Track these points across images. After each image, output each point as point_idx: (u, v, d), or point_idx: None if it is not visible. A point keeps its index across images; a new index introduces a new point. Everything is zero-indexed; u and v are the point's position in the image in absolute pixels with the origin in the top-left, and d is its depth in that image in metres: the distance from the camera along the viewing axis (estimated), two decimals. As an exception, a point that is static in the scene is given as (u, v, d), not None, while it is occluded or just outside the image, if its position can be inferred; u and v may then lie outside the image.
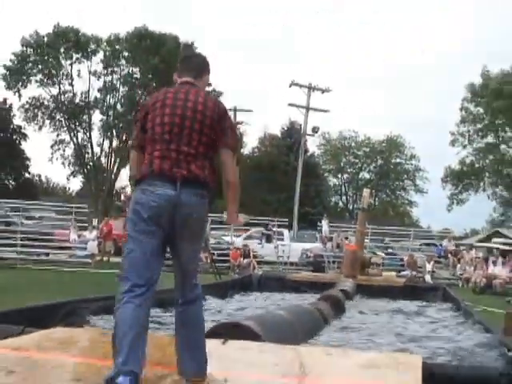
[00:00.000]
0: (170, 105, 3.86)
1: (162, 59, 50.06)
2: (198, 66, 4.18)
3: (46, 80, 52.78)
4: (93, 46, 52.99)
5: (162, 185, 3.66)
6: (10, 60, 51.48)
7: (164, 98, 3.91)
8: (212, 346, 4.96)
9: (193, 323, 3.94)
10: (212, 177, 3.87)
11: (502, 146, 52.66)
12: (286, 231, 32.60)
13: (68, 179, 59.06)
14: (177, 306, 3.99)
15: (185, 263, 3.90)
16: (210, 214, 4.49)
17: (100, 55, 53.41)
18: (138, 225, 3.67)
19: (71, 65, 53.06)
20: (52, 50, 51.52)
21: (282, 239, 30.42)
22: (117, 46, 53.19)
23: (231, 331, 5.59)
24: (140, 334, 3.56)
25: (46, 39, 51.63)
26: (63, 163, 56.08)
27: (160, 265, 3.80)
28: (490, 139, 52.62)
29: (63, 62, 52.80)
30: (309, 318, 8.23)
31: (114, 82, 54.17)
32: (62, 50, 52.06)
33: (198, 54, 4.48)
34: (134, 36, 52.48)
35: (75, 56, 52.58)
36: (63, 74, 53.01)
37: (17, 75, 51.50)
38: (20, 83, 52.02)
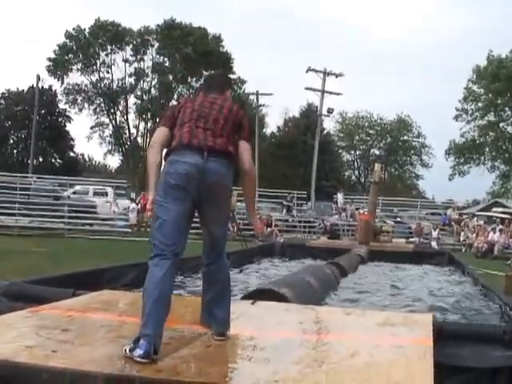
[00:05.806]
0: (199, 103, 3.97)
1: (193, 48, 49.97)
2: (221, 83, 4.29)
3: (86, 68, 53.16)
4: (127, 38, 53.32)
5: (191, 154, 3.67)
6: (54, 51, 52.03)
7: (194, 99, 4.04)
8: (242, 307, 4.98)
9: (219, 282, 3.95)
10: (235, 154, 3.87)
11: (502, 124, 52.23)
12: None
13: (106, 155, 60.04)
14: (203, 267, 4.01)
15: (213, 229, 3.88)
16: (235, 188, 4.40)
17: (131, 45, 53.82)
18: (168, 192, 3.63)
19: (107, 55, 53.51)
20: (91, 42, 51.91)
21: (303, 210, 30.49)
22: (146, 37, 53.49)
23: (263, 296, 5.60)
24: (160, 298, 3.51)
25: (87, 32, 52.08)
26: (101, 143, 57.03)
27: (187, 232, 3.77)
28: (490, 117, 52.13)
29: (101, 52, 53.12)
30: (325, 277, 8.23)
31: (145, 69, 54.65)
32: (99, 41, 52.44)
33: (220, 74, 4.59)
34: (165, 27, 52.61)
35: (109, 47, 52.97)
36: (101, 63, 53.41)
37: (59, 64, 51.90)
38: (62, 71, 52.50)
